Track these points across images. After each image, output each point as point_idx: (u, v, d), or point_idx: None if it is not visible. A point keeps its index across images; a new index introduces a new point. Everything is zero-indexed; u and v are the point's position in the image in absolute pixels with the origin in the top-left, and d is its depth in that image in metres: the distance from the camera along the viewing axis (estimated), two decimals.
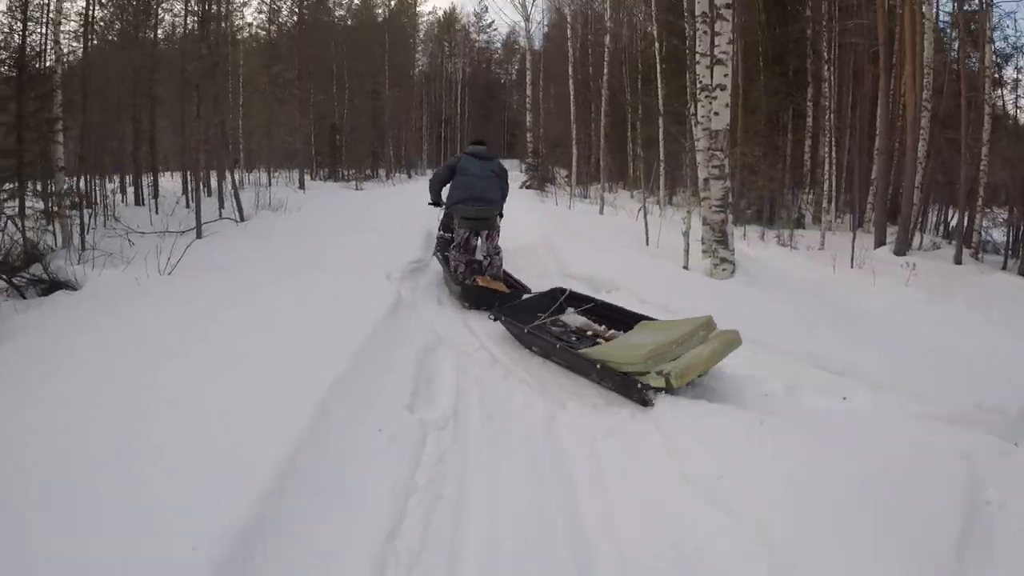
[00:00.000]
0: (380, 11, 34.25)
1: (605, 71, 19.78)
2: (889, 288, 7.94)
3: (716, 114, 7.98)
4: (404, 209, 13.37)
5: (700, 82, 8.74)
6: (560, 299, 6.06)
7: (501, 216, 7.34)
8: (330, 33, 28.56)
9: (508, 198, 7.58)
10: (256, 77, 25.14)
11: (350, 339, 4.68)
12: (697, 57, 8.89)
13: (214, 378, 3.87)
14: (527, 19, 27.28)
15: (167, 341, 4.58)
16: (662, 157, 20.98)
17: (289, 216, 12.47)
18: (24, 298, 7.18)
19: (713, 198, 8.15)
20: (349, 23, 31.95)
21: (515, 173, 31.63)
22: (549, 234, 10.34)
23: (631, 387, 4.22)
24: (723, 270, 8.12)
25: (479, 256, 7.26)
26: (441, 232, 8.12)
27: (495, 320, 5.61)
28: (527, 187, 23.18)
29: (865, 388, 4.53)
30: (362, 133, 28.81)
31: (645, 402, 4.14)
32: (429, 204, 7.79)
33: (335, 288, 6.27)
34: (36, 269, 7.46)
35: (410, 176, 35.08)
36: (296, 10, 25.12)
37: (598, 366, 4.44)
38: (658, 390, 4.06)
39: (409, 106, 35.51)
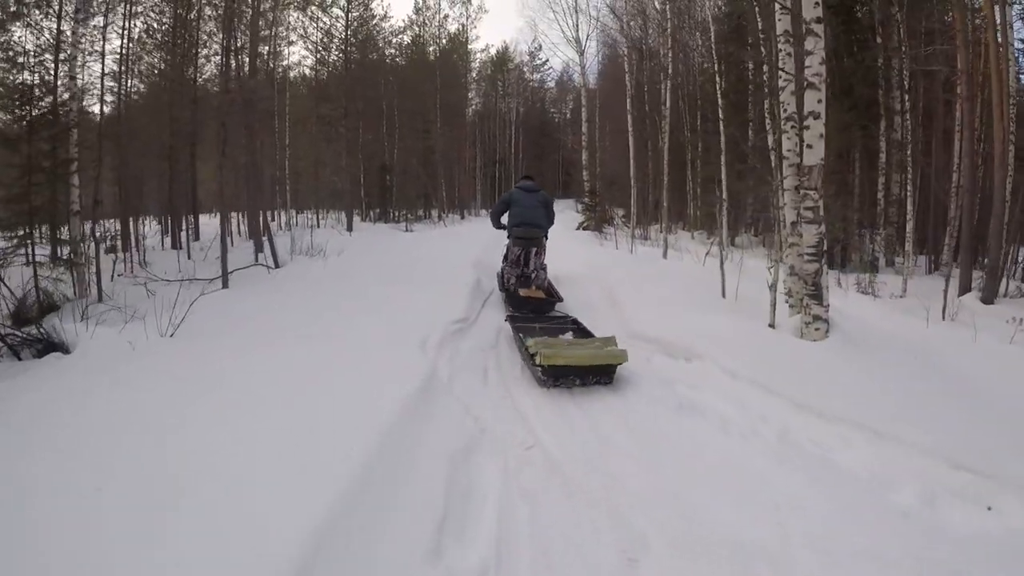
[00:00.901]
0: (432, 48, 33.80)
1: (667, 103, 18.56)
2: (994, 347, 6.56)
3: (809, 147, 6.79)
4: (454, 254, 12.59)
5: (785, 110, 7.61)
6: (568, 325, 7.43)
7: (546, 238, 9.15)
8: (379, 72, 28.25)
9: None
10: (304, 118, 24.79)
11: (357, 443, 3.54)
12: (781, 82, 7.77)
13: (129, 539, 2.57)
14: (581, 53, 26.56)
15: (101, 446, 3.44)
16: (724, 196, 19.82)
17: (326, 262, 11.58)
18: (19, 359, 6.39)
19: (805, 245, 6.93)
20: (399, 61, 31.61)
21: (571, 213, 30.85)
22: (611, 285, 9.39)
23: (529, 360, 5.76)
24: (816, 329, 6.86)
25: (530, 270, 8.87)
26: (506, 254, 9.46)
27: (506, 320, 7.39)
28: (584, 228, 22.07)
29: (1014, 493, 3.40)
30: (412, 173, 28.09)
31: (539, 380, 5.57)
32: (494, 228, 9.72)
33: (354, 361, 5.24)
34: (32, 327, 6.72)
35: (463, 217, 34.32)
36: (343, 48, 24.57)
37: (524, 348, 5.94)
38: (538, 366, 5.42)
39: (462, 145, 34.87)
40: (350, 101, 23.40)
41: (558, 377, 5.47)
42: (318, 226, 23.98)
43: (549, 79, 54.18)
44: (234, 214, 19.56)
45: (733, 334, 6.55)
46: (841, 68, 15.95)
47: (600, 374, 5.52)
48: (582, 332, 6.97)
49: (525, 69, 51.28)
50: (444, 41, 34.20)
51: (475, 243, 15.14)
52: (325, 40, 26.08)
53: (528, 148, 48.79)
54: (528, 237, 8.78)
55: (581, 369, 5.47)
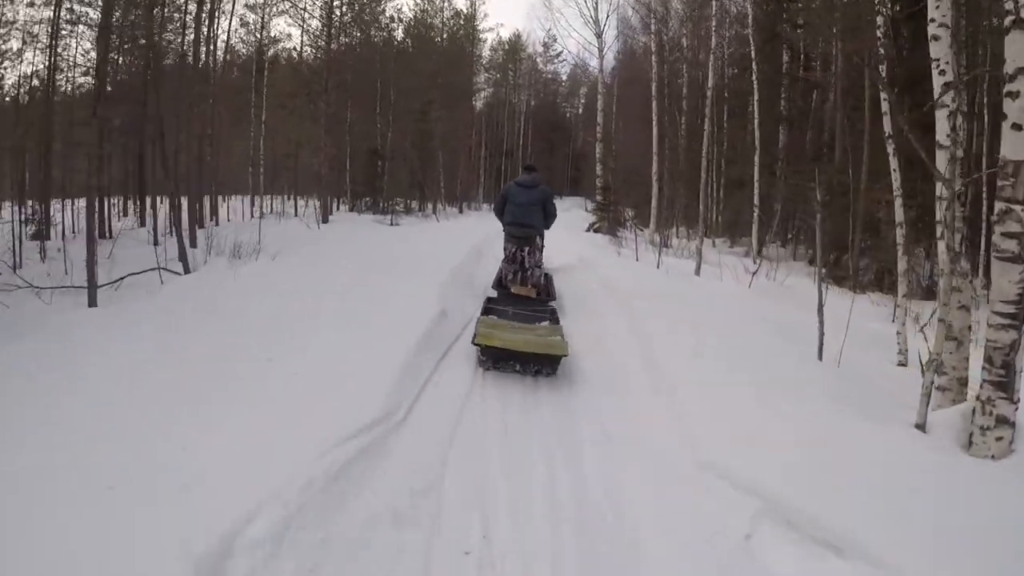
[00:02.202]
0: (436, 21, 30.89)
1: (711, 96, 15.60)
2: None
3: (1017, 128, 3.83)
4: (440, 261, 9.68)
5: (940, 70, 4.72)
6: (545, 314, 7.33)
7: (541, 237, 8.71)
8: (371, 45, 25.53)
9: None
10: (286, 94, 21.99)
11: None
12: (935, 27, 4.87)
13: None
14: (600, 35, 23.53)
15: None
16: (756, 201, 16.98)
17: (262, 267, 8.71)
18: None
19: (999, 298, 4.00)
20: (397, 35, 28.79)
21: (579, 213, 27.97)
22: (640, 321, 6.63)
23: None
24: (998, 439, 3.96)
25: (526, 267, 8.41)
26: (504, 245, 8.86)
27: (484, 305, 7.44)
28: (595, 230, 19.14)
29: None
30: (404, 159, 25.06)
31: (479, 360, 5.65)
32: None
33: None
34: None
35: (462, 211, 31.28)
36: (327, 11, 21.50)
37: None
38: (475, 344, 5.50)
39: (465, 131, 31.81)
40: (333, 74, 20.32)
41: (496, 360, 5.55)
42: (295, 215, 21.14)
43: (563, 71, 51.60)
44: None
45: (863, 460, 3.69)
46: (903, 60, 13.07)
47: (542, 364, 5.49)
48: (554, 323, 6.91)
49: (538, 60, 48.83)
50: (447, 15, 31.07)
51: (465, 243, 12.49)
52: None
53: (537, 141, 46.78)
54: (519, 236, 8.46)
55: (520, 355, 5.48)
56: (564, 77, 52.71)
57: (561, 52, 48.73)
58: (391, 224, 19.99)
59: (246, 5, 23.89)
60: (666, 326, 6.30)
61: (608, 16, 23.20)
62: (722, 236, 21.30)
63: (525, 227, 8.40)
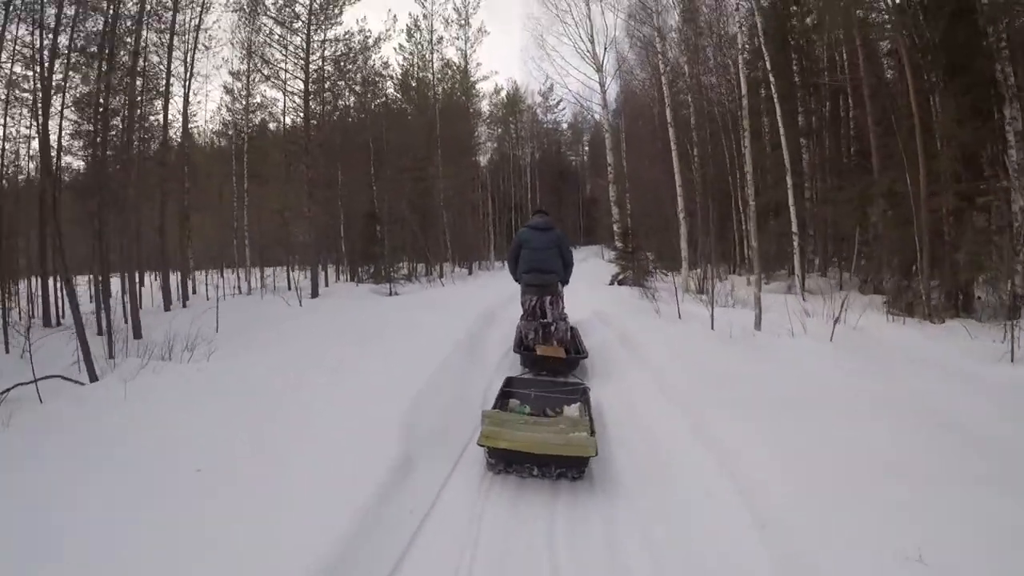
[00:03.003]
0: (427, 76, 29.04)
1: (742, 88, 13.52)
2: None
3: None
4: (438, 335, 8.18)
5: None
6: (578, 390, 6.00)
7: (563, 284, 7.92)
8: (364, 105, 23.96)
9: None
10: (264, 156, 20.30)
11: None
12: None
13: None
14: (600, 69, 21.55)
15: None
16: (794, 228, 14.81)
17: (189, 372, 6.57)
18: None
19: None
20: (391, 95, 27.26)
21: (597, 262, 25.78)
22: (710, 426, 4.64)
23: None
24: None
25: (548, 320, 7.68)
26: (522, 299, 8.03)
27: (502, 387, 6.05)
28: (619, 282, 16.93)
29: None
30: (403, 221, 23.04)
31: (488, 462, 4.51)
32: (515, 281, 8.11)
33: None
34: None
35: (471, 272, 29.23)
36: (303, 69, 19.70)
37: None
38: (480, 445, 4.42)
39: (468, 186, 29.99)
40: (319, 133, 18.54)
41: (509, 463, 4.45)
42: (290, 287, 19.12)
43: (563, 118, 51.70)
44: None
45: None
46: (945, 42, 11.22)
47: (566, 466, 4.38)
48: (586, 406, 5.55)
49: (538, 110, 48.82)
50: (438, 64, 29.33)
51: (472, 309, 10.94)
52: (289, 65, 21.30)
53: (545, 193, 45.97)
54: (538, 284, 7.74)
55: (536, 457, 4.35)
56: (565, 125, 52.79)
57: (560, 101, 48.79)
58: (390, 294, 17.91)
59: (230, 72, 22.35)
60: (761, 449, 4.10)
61: (607, 49, 21.27)
62: (755, 272, 19.12)
63: (544, 273, 7.67)
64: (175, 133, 19.39)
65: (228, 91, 22.26)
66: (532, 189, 45.19)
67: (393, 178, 23.31)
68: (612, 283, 16.81)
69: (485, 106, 37.97)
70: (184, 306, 14.88)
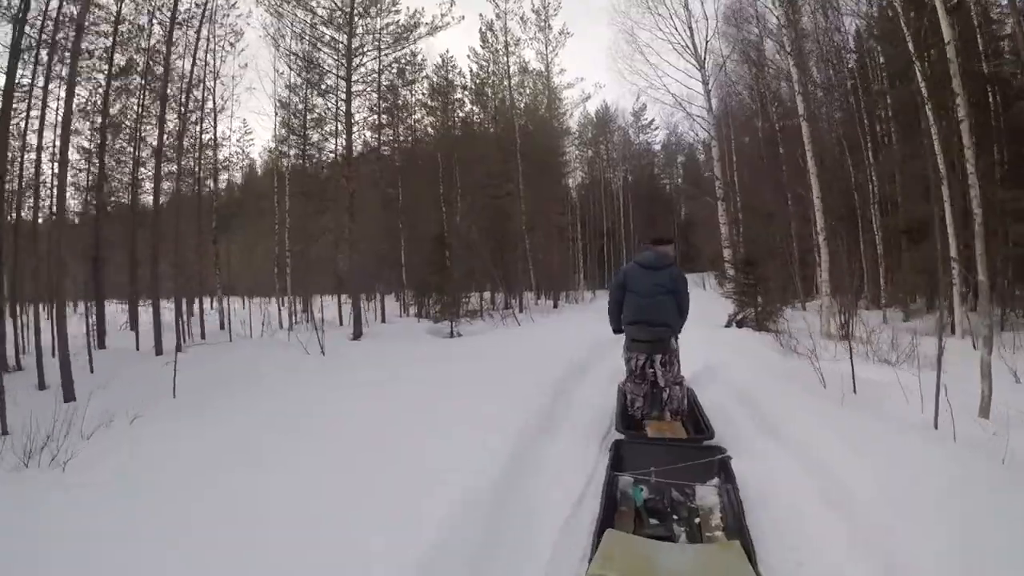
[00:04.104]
0: (515, 95, 26.24)
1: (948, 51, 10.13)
2: None
3: None
4: (495, 418, 5.46)
5: None
6: (713, 460, 4.37)
7: (676, 338, 6.11)
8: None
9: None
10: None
11: None
12: None
13: None
14: (701, 66, 18.13)
15: None
16: (953, 252, 11.19)
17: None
18: None
19: None
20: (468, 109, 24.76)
21: (700, 293, 22.02)
22: None
23: None
24: None
25: (661, 386, 5.99)
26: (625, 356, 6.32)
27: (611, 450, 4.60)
28: (736, 324, 13.36)
29: None
30: (474, 246, 19.90)
31: None
32: (614, 333, 6.47)
33: None
34: None
35: (556, 305, 26.01)
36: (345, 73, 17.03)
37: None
38: None
39: (558, 208, 27.03)
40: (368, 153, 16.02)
41: None
42: (341, 322, 16.38)
43: (655, 140, 49.88)
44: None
45: None
46: None
47: None
48: (729, 483, 4.06)
49: (630, 131, 47.00)
50: (515, 68, 26.47)
51: (551, 368, 8.00)
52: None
53: (638, 218, 44.57)
54: (646, 339, 5.96)
55: None
56: (658, 146, 51.02)
57: (653, 120, 47.13)
58: (451, 335, 14.88)
59: (286, 86, 20.13)
60: None
61: (707, 42, 17.86)
62: (891, 305, 16.49)
63: (654, 327, 5.98)
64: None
65: (284, 105, 19.92)
66: (624, 214, 43.41)
67: (466, 197, 20.56)
68: (730, 324, 13.28)
69: (573, 124, 34.99)
70: (180, 350, 11.95)
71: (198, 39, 16.68)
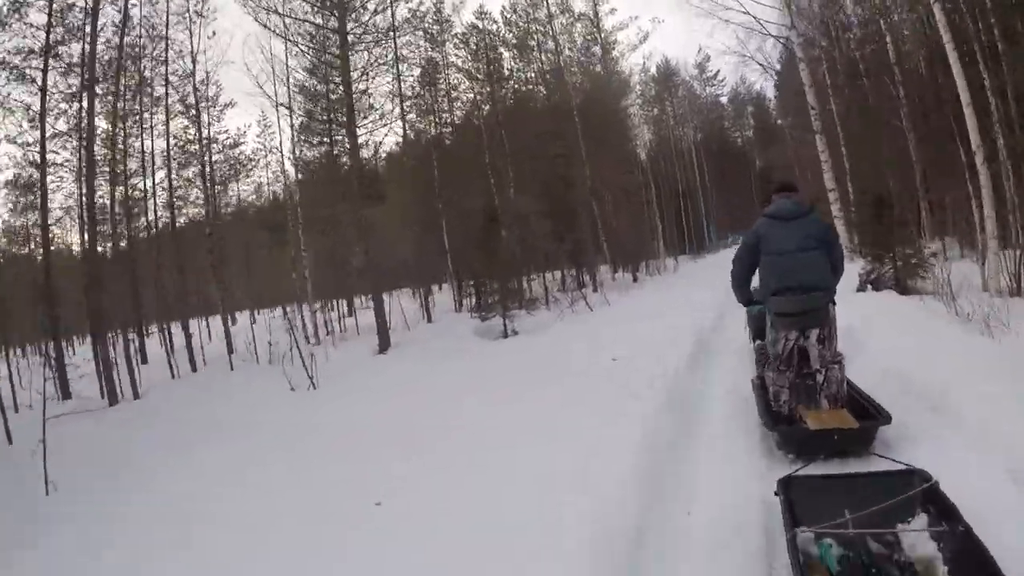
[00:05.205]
0: (560, 41, 23.36)
1: None
2: None
3: None
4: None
5: None
6: (915, 491, 3.22)
7: (834, 303, 4.76)
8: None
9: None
10: None
11: None
12: None
13: None
14: None
15: None
16: None
17: None
18: None
19: None
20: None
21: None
22: None
23: None
24: None
25: (813, 368, 4.66)
26: (757, 341, 5.72)
27: (777, 492, 3.37)
28: (870, 285, 10.18)
29: None
30: (527, 227, 17.05)
31: None
32: (740, 303, 5.51)
33: None
34: None
35: (635, 279, 22.98)
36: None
37: None
38: None
39: (621, 170, 24.34)
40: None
41: None
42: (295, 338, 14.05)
43: (723, 93, 48.29)
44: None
45: None
46: None
47: None
48: (947, 522, 2.97)
49: (695, 84, 45.26)
50: (555, 9, 23.35)
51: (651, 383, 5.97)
52: None
53: (712, 176, 44.39)
54: (796, 313, 4.61)
55: None
56: (725, 99, 49.51)
57: (719, 72, 45.30)
58: (505, 334, 12.25)
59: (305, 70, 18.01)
60: None
61: None
62: None
63: (807, 292, 4.52)
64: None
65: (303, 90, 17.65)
66: (700, 171, 42.08)
67: (522, 165, 18.05)
68: (863, 287, 10.14)
69: (630, 72, 31.40)
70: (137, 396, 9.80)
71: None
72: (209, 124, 18.63)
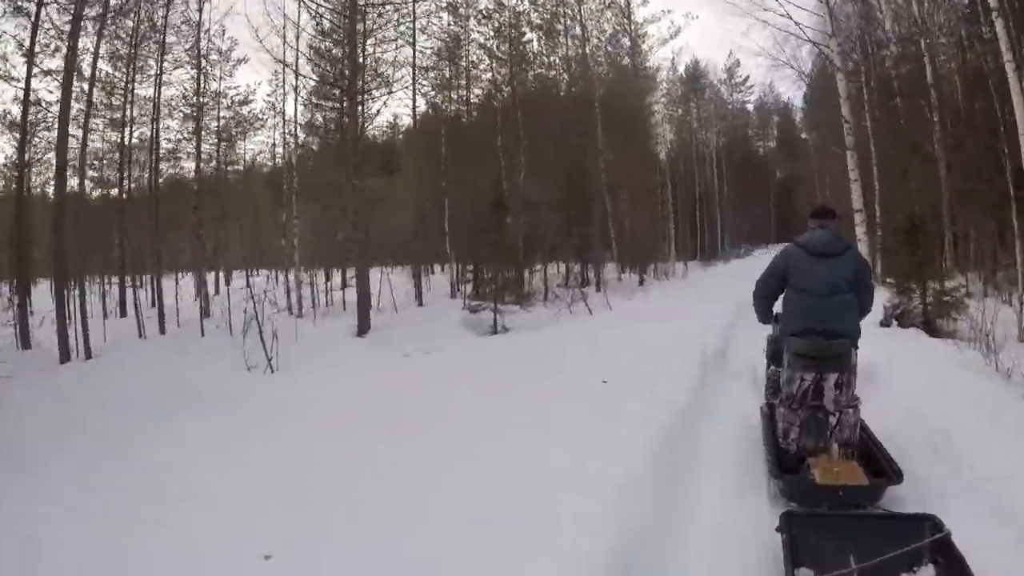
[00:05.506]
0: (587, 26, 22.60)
1: None
2: None
3: None
4: None
5: None
6: (924, 543, 3.16)
7: (856, 348, 4.45)
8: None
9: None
10: None
11: None
12: None
13: None
14: None
15: None
16: None
17: None
18: None
19: None
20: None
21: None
22: None
23: None
24: None
25: (824, 411, 4.35)
26: (771, 367, 5.52)
27: (778, 528, 3.29)
28: (896, 321, 9.22)
29: None
30: (536, 216, 16.45)
31: None
32: (761, 322, 5.30)
33: None
34: None
35: (641, 282, 22.14)
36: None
37: None
38: None
39: (641, 166, 23.61)
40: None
41: None
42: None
43: (749, 99, 48.18)
44: None
45: None
46: None
47: None
48: (954, 567, 2.97)
49: (722, 89, 44.83)
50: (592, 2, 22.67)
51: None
52: None
53: (734, 183, 43.56)
54: (816, 356, 4.31)
55: None
56: (751, 107, 49.21)
57: (747, 78, 45.06)
58: (494, 330, 11.55)
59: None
60: None
61: None
62: None
63: (830, 337, 4.26)
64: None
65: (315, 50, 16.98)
66: (719, 177, 41.67)
67: (535, 150, 17.37)
68: (887, 322, 9.25)
69: (659, 65, 30.92)
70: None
71: None
72: (220, 78, 18.82)
